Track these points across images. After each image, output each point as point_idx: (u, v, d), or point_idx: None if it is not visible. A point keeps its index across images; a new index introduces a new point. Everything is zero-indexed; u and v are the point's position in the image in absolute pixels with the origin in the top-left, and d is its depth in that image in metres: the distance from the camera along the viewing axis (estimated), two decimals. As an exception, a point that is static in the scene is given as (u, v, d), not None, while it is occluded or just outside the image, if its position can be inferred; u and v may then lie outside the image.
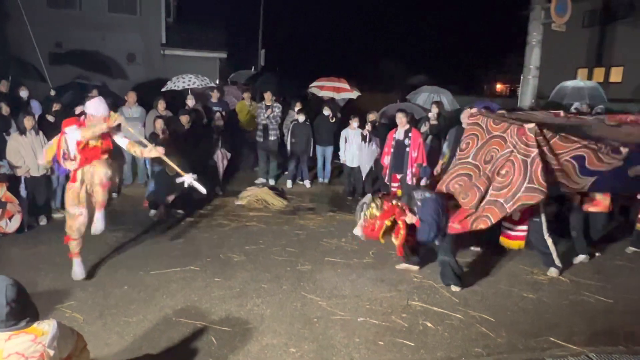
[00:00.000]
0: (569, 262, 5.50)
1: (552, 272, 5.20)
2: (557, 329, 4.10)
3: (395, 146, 6.99)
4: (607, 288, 4.94)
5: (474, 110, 5.64)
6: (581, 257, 5.58)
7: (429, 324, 4.12)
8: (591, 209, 5.64)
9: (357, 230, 4.86)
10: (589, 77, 19.18)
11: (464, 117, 6.23)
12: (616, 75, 18.94)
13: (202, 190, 5.01)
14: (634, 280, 5.20)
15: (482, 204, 4.68)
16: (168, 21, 17.21)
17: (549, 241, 5.11)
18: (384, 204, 4.77)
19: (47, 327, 2.21)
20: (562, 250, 5.61)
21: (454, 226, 4.70)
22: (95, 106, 4.54)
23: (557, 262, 5.18)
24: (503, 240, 5.28)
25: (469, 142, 5.32)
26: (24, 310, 2.20)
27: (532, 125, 4.61)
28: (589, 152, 4.77)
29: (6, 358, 2.12)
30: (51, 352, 2.18)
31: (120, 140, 4.77)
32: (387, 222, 4.73)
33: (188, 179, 4.95)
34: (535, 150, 4.54)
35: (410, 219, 4.70)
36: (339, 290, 4.72)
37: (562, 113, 6.00)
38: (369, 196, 4.93)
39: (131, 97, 8.18)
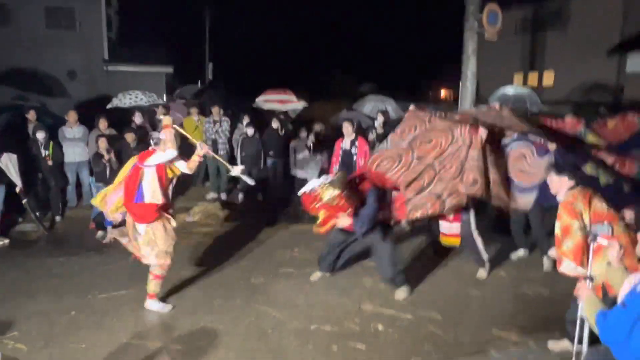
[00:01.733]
0: (509, 258, 5.82)
1: (480, 272, 5.32)
2: (500, 323, 4.34)
3: (343, 155, 7.13)
4: (545, 281, 5.27)
5: (412, 106, 5.71)
6: (520, 252, 5.89)
7: (380, 327, 4.26)
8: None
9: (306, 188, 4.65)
10: (524, 81, 20.30)
11: None
12: (548, 78, 20.14)
13: (250, 181, 5.37)
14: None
15: (424, 193, 4.79)
16: (110, 36, 16.82)
17: (478, 239, 5.22)
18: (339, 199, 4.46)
19: None
20: (503, 248, 5.94)
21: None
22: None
23: (485, 261, 5.29)
24: (442, 238, 5.52)
25: (405, 129, 5.30)
26: None
27: (485, 131, 4.68)
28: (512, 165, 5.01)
29: None
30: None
31: (180, 164, 4.70)
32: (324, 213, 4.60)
33: (238, 171, 5.24)
34: (477, 153, 4.67)
35: (343, 222, 4.61)
36: (293, 300, 4.78)
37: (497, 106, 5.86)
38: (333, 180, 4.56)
39: (72, 116, 7.94)
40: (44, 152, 7.34)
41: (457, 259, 5.80)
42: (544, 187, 4.67)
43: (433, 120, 5.21)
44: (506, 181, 5.02)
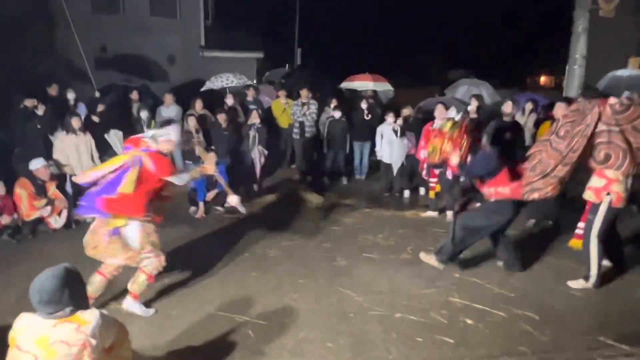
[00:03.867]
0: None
1: (576, 283, 4.60)
2: (608, 329, 3.88)
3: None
4: (663, 286, 4.65)
5: (580, 98, 5.16)
6: None
7: (469, 321, 4.00)
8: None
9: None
10: (641, 67, 18.17)
11: (506, 108, 6.11)
12: (670, 63, 17.83)
13: (243, 210, 4.81)
14: None
15: (547, 178, 4.32)
16: (206, 23, 17.57)
17: (594, 245, 4.43)
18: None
19: (89, 317, 2.27)
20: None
21: (502, 190, 4.50)
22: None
23: (593, 275, 4.50)
24: (573, 242, 5.03)
25: (568, 129, 4.55)
26: (71, 298, 2.26)
27: (615, 99, 4.13)
28: None
29: (51, 345, 2.20)
30: (93, 342, 2.24)
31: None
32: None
33: (234, 200, 4.66)
34: (606, 126, 4.11)
35: (453, 159, 5.48)
36: (376, 286, 4.65)
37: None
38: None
39: (168, 98, 8.41)
40: (146, 130, 7.84)
41: (558, 257, 5.30)
42: None
43: (585, 106, 4.43)
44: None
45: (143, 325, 3.86)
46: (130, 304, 4.06)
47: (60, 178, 6.40)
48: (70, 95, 8.43)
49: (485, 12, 29.06)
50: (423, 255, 5.01)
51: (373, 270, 5.04)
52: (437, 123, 6.41)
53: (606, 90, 10.59)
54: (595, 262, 4.46)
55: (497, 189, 4.58)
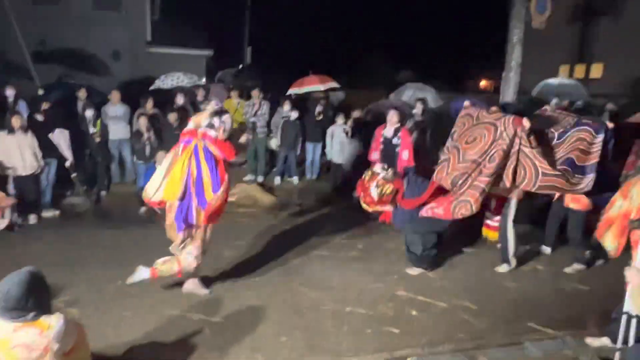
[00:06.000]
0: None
1: (503, 267, 5.22)
2: (536, 316, 4.30)
3: (385, 143, 7.10)
4: (582, 276, 5.17)
5: (467, 102, 5.63)
6: (547, 250, 5.73)
7: (414, 312, 4.30)
8: (572, 204, 5.39)
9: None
10: (571, 74, 19.53)
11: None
12: (596, 71, 19.30)
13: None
14: (610, 267, 5.41)
15: (466, 187, 4.68)
16: (153, 18, 17.13)
17: (511, 233, 5.12)
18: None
19: (53, 322, 2.29)
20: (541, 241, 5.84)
21: (437, 211, 4.81)
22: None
23: (512, 258, 5.20)
24: (485, 231, 5.47)
25: (456, 129, 5.22)
26: (36, 303, 2.27)
27: (528, 120, 4.54)
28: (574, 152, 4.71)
29: (12, 348, 2.21)
30: (55, 346, 2.26)
31: None
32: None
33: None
34: (518, 146, 4.52)
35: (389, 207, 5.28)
36: (328, 282, 4.87)
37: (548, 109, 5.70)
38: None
39: (115, 95, 8.22)
40: (92, 129, 7.66)
41: (494, 250, 5.75)
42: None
43: (480, 115, 5.01)
44: (562, 168, 4.80)
45: (98, 327, 3.85)
46: (140, 274, 4.19)
47: (2, 179, 6.15)
48: (10, 92, 8.04)
49: (430, 18, 30.19)
50: (411, 271, 5.20)
51: (324, 267, 5.26)
52: (389, 130, 6.72)
53: (538, 97, 11.42)
54: (512, 245, 5.19)
55: (434, 210, 4.84)
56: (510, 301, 4.60)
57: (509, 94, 9.66)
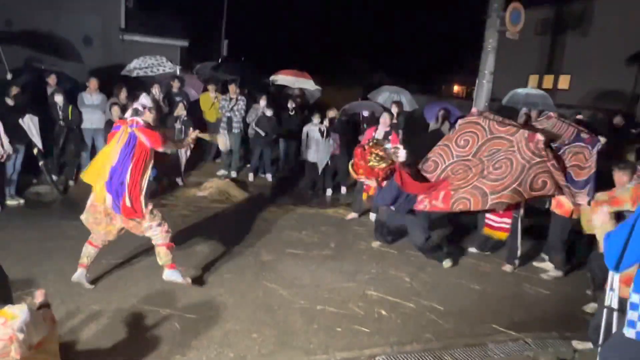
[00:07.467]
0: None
1: (507, 267, 5.60)
2: (499, 317, 4.47)
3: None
4: (546, 282, 5.39)
5: (474, 110, 5.88)
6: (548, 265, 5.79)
7: (383, 312, 4.39)
8: (555, 209, 5.47)
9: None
10: (539, 84, 20.16)
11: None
12: (564, 82, 20.01)
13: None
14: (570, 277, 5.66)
15: (468, 186, 4.97)
16: (127, 5, 16.71)
17: (519, 237, 5.48)
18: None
19: (17, 312, 2.24)
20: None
21: (437, 204, 5.03)
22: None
23: (516, 259, 5.57)
24: (486, 229, 5.68)
25: (469, 139, 5.38)
26: None
27: (542, 135, 4.93)
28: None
29: None
30: (20, 336, 2.22)
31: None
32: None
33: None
34: (537, 159, 4.89)
35: (370, 183, 5.47)
36: (299, 280, 4.91)
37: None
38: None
39: (93, 83, 8.02)
40: (61, 116, 7.45)
41: (462, 254, 5.93)
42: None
43: (493, 128, 5.31)
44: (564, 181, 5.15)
45: (65, 320, 3.78)
46: (169, 274, 4.34)
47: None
48: (-25, 75, 7.76)
49: (408, 22, 30.62)
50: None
51: (297, 265, 5.30)
52: (380, 132, 6.80)
53: (508, 105, 11.75)
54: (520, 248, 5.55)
55: (432, 202, 5.09)
56: (475, 303, 4.76)
57: (481, 100, 9.89)
